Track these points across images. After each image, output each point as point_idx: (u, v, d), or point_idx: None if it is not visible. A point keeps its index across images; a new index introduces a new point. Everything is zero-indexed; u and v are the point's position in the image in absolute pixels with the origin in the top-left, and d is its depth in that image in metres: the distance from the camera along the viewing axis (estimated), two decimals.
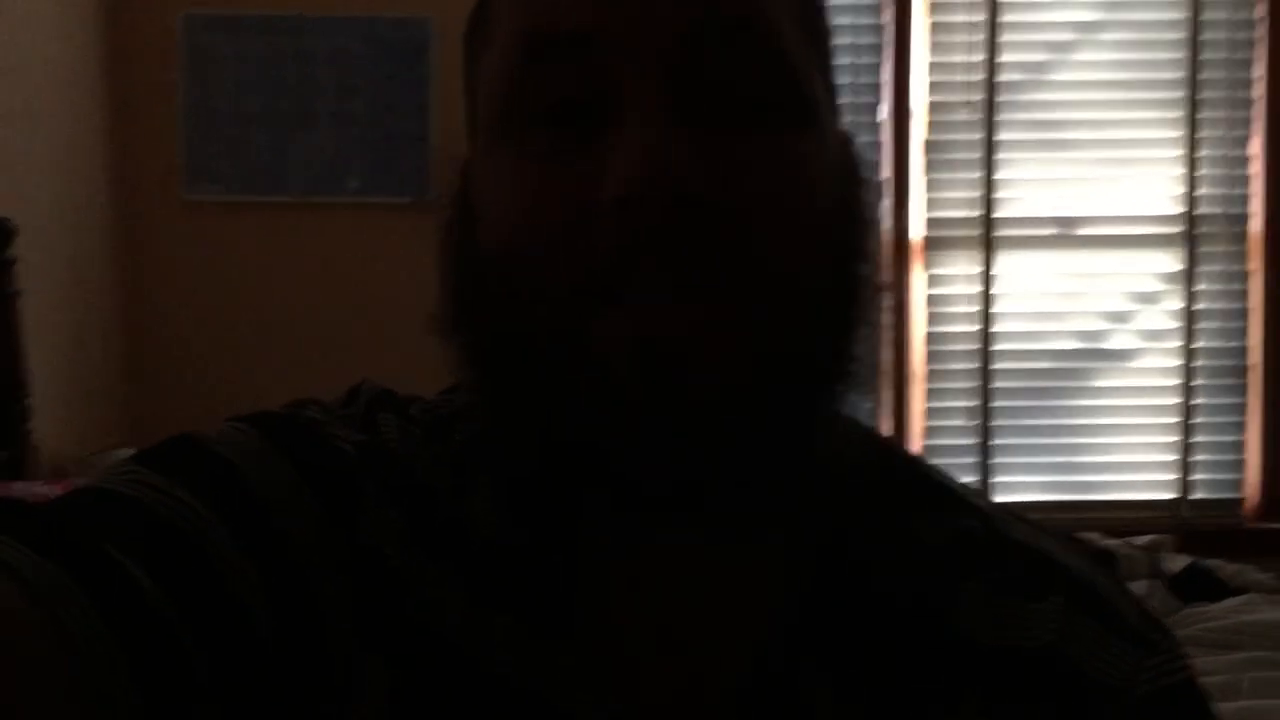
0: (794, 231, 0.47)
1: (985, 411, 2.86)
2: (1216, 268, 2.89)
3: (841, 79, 0.56)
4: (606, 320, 0.45)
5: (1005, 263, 2.88)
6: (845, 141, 0.54)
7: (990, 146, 2.83)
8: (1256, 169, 2.86)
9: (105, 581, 0.41)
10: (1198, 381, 2.88)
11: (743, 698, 0.50)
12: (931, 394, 2.91)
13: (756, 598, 0.52)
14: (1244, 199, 2.88)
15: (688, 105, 0.46)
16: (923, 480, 0.57)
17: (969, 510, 0.55)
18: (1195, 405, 2.87)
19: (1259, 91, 2.85)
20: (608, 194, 0.45)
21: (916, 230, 2.86)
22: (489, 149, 0.50)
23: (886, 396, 2.83)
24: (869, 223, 0.52)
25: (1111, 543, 2.28)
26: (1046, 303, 2.92)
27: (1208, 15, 2.84)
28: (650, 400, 0.45)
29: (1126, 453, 2.92)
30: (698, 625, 0.51)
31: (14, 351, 2.12)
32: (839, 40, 2.27)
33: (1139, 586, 2.03)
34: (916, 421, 2.90)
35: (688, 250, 0.45)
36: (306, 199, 2.73)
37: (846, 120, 0.56)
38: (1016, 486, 2.91)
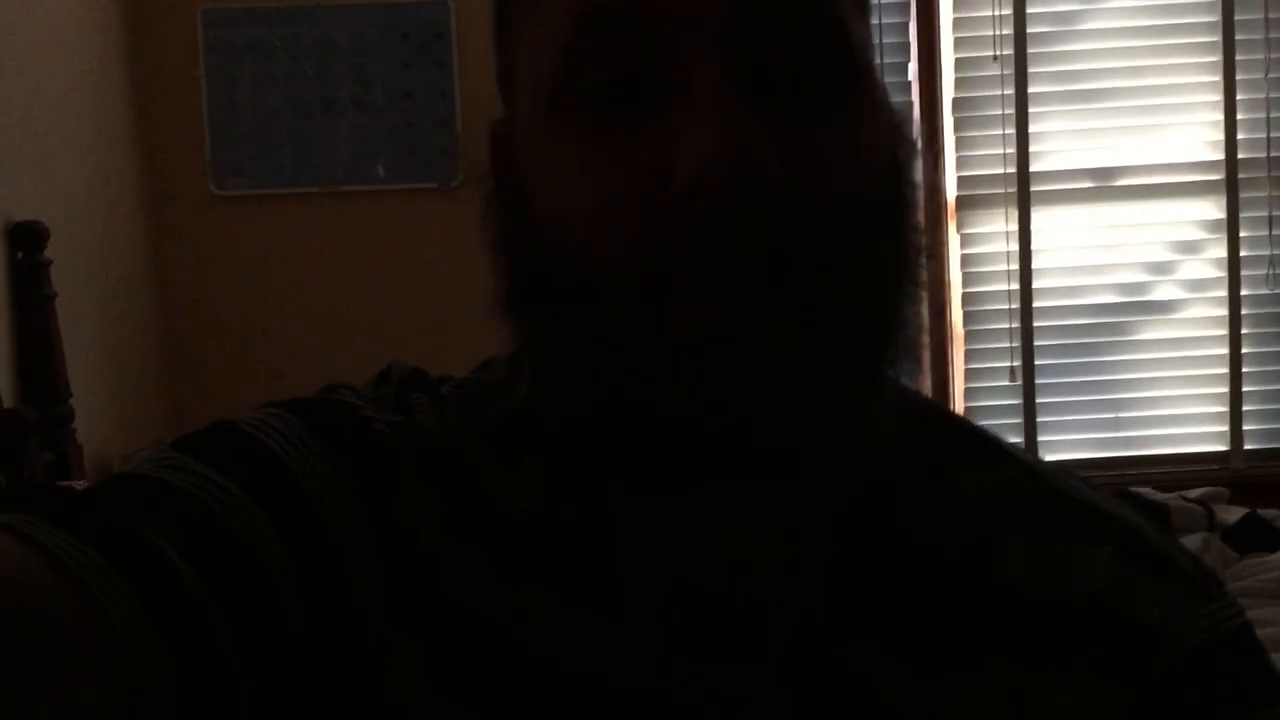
0: (857, 209, 0.47)
1: (1028, 370, 2.83)
2: (1260, 213, 2.83)
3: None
4: (679, 307, 0.45)
5: (1042, 219, 2.84)
6: (889, 103, 0.53)
7: (1021, 100, 2.78)
8: None
9: (141, 564, 0.41)
10: (1245, 330, 2.83)
11: (786, 660, 0.50)
12: (971, 355, 2.88)
13: (797, 560, 0.51)
14: None
15: (747, 79, 0.45)
16: (964, 434, 0.56)
17: (1012, 462, 0.55)
18: (1243, 354, 2.82)
19: None
20: (678, 180, 0.44)
21: (949, 190, 2.82)
22: (540, 123, 0.49)
23: (925, 358, 2.81)
24: (916, 187, 0.52)
25: (1163, 497, 2.25)
26: (1086, 257, 2.88)
27: None
28: (723, 386, 0.44)
29: (1175, 405, 2.88)
30: (738, 591, 0.51)
31: (53, 354, 2.14)
32: None
33: (1194, 540, 2.00)
34: (958, 383, 2.87)
35: (758, 234, 0.44)
36: (334, 188, 2.73)
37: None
38: (1062, 445, 2.88)
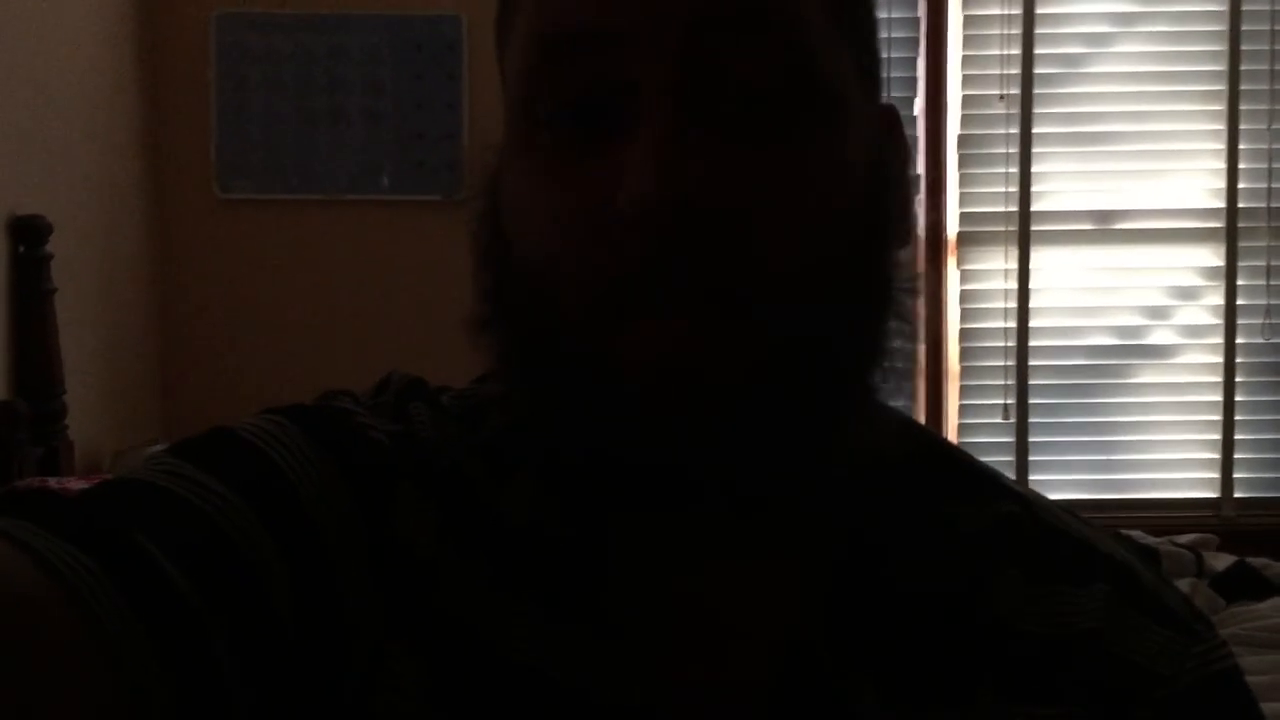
0: (809, 237, 0.46)
1: (1022, 409, 2.83)
2: (1259, 262, 2.84)
3: None
4: (625, 336, 0.45)
5: (1041, 258, 2.85)
6: (891, 118, 0.53)
7: (1026, 140, 2.80)
8: None
9: (134, 571, 0.41)
10: (1239, 378, 2.83)
11: (778, 688, 0.49)
12: (966, 391, 2.88)
13: (791, 587, 0.51)
14: None
15: (701, 102, 0.45)
16: (960, 466, 0.56)
17: (1008, 495, 0.55)
18: (1236, 402, 2.83)
19: None
20: (621, 204, 0.44)
21: (950, 226, 2.84)
22: (511, 149, 0.50)
23: (920, 394, 2.81)
24: (904, 210, 0.51)
25: (1153, 541, 2.25)
26: (1084, 298, 2.89)
27: (1248, 4, 2.79)
28: (663, 413, 0.45)
29: (1167, 450, 2.88)
30: (732, 615, 0.51)
31: (49, 349, 2.14)
32: None
33: (1182, 585, 2.00)
34: (951, 419, 2.87)
35: (702, 263, 0.44)
36: (339, 196, 2.74)
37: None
38: (1054, 485, 2.88)
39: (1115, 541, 0.55)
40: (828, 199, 0.47)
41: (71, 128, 2.35)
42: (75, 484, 1.87)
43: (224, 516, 0.45)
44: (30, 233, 2.11)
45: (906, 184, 0.52)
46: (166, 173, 2.72)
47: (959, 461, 0.56)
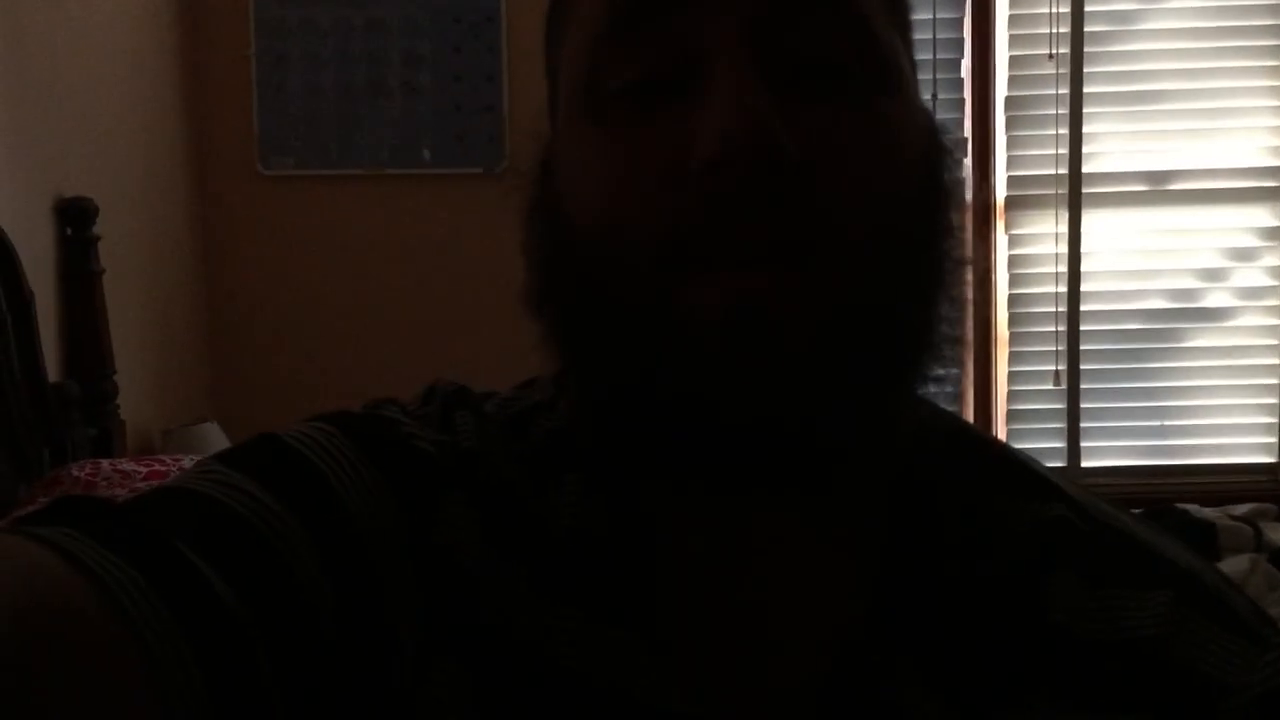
0: (882, 197, 0.46)
1: (1073, 376, 2.79)
2: None
3: (920, 34, 0.54)
4: (694, 287, 0.45)
5: (1092, 221, 2.80)
6: (927, 112, 0.53)
7: (1076, 100, 2.74)
8: None
9: (177, 580, 0.41)
10: None
11: (827, 691, 0.48)
12: (1015, 358, 2.84)
13: (837, 586, 0.50)
14: None
15: (772, 72, 0.45)
16: (1007, 464, 0.55)
17: (1057, 495, 0.53)
18: None
19: None
20: (698, 155, 0.44)
21: (998, 190, 2.79)
22: (574, 123, 0.50)
23: (969, 362, 2.77)
24: (956, 195, 0.51)
25: (1209, 513, 2.21)
26: (1136, 261, 2.84)
27: None
28: (737, 366, 0.44)
29: (1222, 415, 2.83)
30: (780, 617, 0.50)
31: (98, 330, 2.16)
32: None
33: (1240, 561, 1.96)
34: (1000, 387, 2.83)
35: (778, 213, 0.44)
36: (379, 170, 2.74)
37: (925, 82, 0.53)
38: (1105, 451, 2.84)
39: (1176, 543, 0.53)
40: (894, 163, 0.47)
41: (115, 110, 2.36)
42: (128, 464, 1.89)
43: (269, 526, 0.45)
44: (77, 215, 2.13)
45: (952, 177, 0.51)
46: (209, 151, 2.74)
47: (1007, 456, 0.55)
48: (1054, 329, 2.81)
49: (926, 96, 2.62)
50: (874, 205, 0.46)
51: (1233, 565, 1.90)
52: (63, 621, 0.37)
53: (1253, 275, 2.82)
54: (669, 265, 0.45)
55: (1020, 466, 0.55)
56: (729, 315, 0.44)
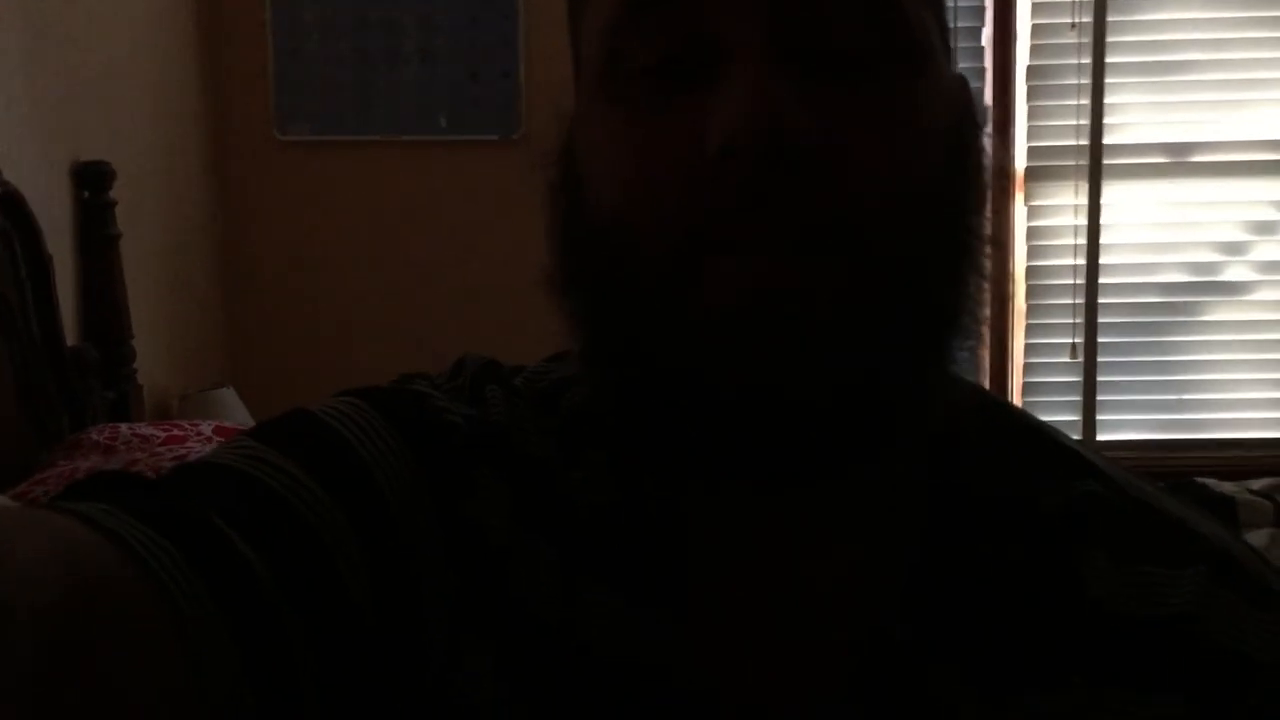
0: (903, 182, 0.45)
1: (1090, 348, 2.77)
2: None
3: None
4: (714, 273, 0.44)
5: (1112, 193, 2.77)
6: (960, 85, 0.51)
7: (1098, 70, 2.71)
8: None
9: (211, 555, 0.41)
10: None
11: (861, 671, 0.48)
12: (1032, 330, 2.83)
13: (870, 567, 0.50)
14: None
15: (792, 52, 0.44)
16: (1039, 440, 0.54)
17: (1090, 471, 0.53)
18: None
19: None
20: (713, 143, 0.44)
21: (1018, 160, 2.76)
22: (592, 105, 0.49)
23: (985, 333, 2.76)
24: (982, 171, 0.50)
25: (1228, 488, 2.20)
26: (1156, 234, 2.81)
27: None
28: (758, 354, 0.44)
29: (1241, 389, 2.82)
30: (812, 596, 0.50)
31: (116, 294, 2.17)
32: None
33: (1260, 535, 1.95)
34: (1017, 358, 2.82)
35: (795, 199, 0.43)
36: (396, 137, 2.73)
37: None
38: (1123, 425, 2.83)
39: (1210, 519, 0.53)
40: (918, 143, 0.46)
41: (132, 75, 2.36)
42: (145, 428, 1.90)
43: (303, 502, 0.45)
44: (94, 179, 2.13)
45: (980, 151, 0.50)
46: (226, 117, 2.73)
47: (1041, 435, 0.54)
48: (1071, 301, 2.79)
49: None
50: (898, 188, 0.45)
51: (1253, 540, 1.90)
52: (104, 595, 0.37)
53: (1273, 250, 2.79)
54: (689, 253, 0.45)
55: (1050, 441, 0.54)
56: (750, 303, 0.44)
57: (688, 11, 0.45)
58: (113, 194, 2.16)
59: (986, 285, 0.49)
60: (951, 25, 0.51)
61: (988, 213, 0.50)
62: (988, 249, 0.49)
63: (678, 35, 0.46)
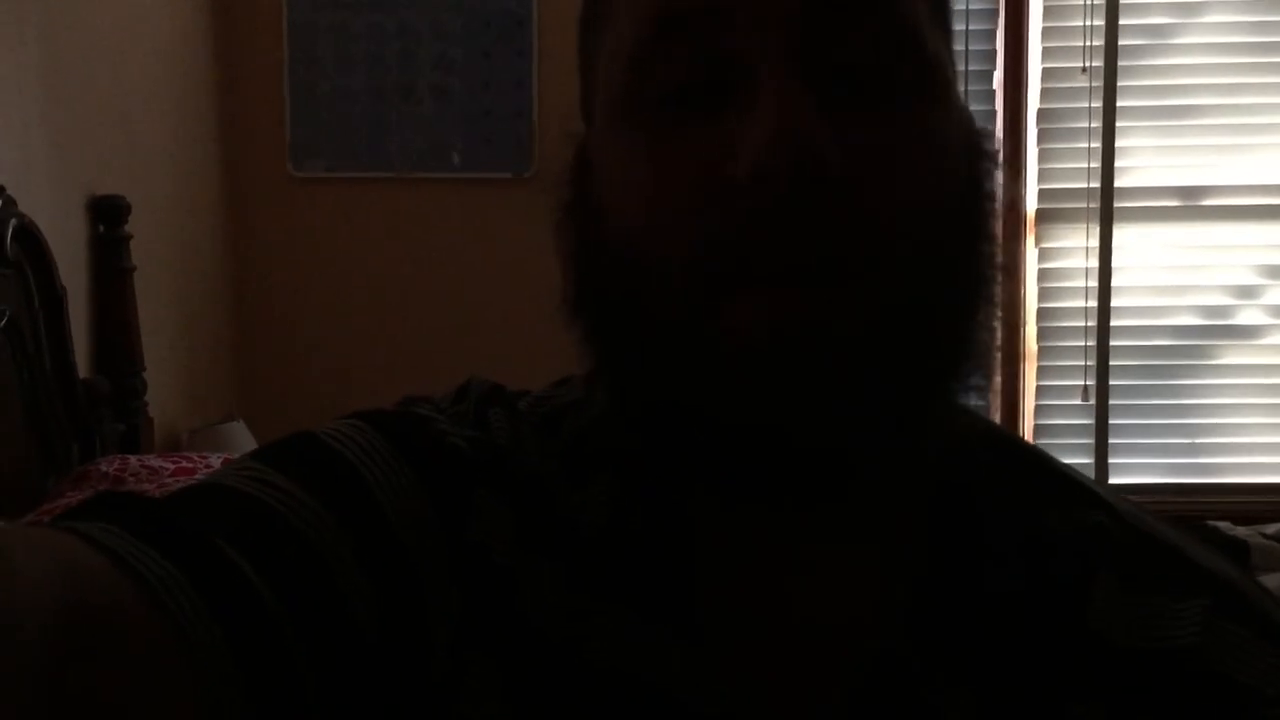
0: (927, 210, 0.46)
1: (1102, 391, 2.76)
2: None
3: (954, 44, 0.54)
4: (733, 304, 0.44)
5: (1124, 236, 2.77)
6: (970, 116, 0.52)
7: (1109, 114, 2.72)
8: None
9: (216, 576, 0.41)
10: None
11: (865, 692, 0.48)
12: (1043, 372, 2.82)
13: (876, 591, 0.50)
14: None
15: (817, 81, 0.45)
16: (1045, 471, 0.54)
17: (1096, 503, 0.53)
18: None
19: None
20: (740, 169, 0.44)
21: (1029, 202, 2.77)
22: (612, 129, 0.49)
23: (996, 373, 2.75)
24: (993, 200, 0.51)
25: (1241, 531, 2.18)
26: (1168, 277, 2.81)
27: None
28: (777, 385, 0.44)
29: (1254, 434, 2.80)
30: (817, 617, 0.50)
31: (128, 327, 2.18)
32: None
33: (1273, 579, 1.93)
34: (1028, 400, 2.81)
35: (820, 228, 0.44)
36: (409, 174, 2.75)
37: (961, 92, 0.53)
38: (1135, 469, 2.81)
39: (1214, 552, 0.53)
40: (938, 174, 0.47)
41: (148, 109, 2.38)
42: (155, 460, 1.90)
43: (306, 523, 0.45)
44: (110, 212, 2.15)
45: (992, 178, 0.51)
46: (241, 152, 2.76)
47: (1046, 466, 0.55)
48: (1083, 344, 2.79)
49: None
50: (918, 219, 0.45)
51: (1266, 584, 1.88)
52: (105, 615, 0.37)
53: None
54: (708, 280, 0.45)
55: (1057, 472, 0.54)
56: (769, 333, 0.44)
57: (714, 30, 0.45)
58: (127, 228, 2.17)
59: (998, 315, 0.49)
60: (962, 68, 0.53)
61: (997, 243, 0.50)
62: (999, 278, 0.50)
63: (703, 60, 0.46)
